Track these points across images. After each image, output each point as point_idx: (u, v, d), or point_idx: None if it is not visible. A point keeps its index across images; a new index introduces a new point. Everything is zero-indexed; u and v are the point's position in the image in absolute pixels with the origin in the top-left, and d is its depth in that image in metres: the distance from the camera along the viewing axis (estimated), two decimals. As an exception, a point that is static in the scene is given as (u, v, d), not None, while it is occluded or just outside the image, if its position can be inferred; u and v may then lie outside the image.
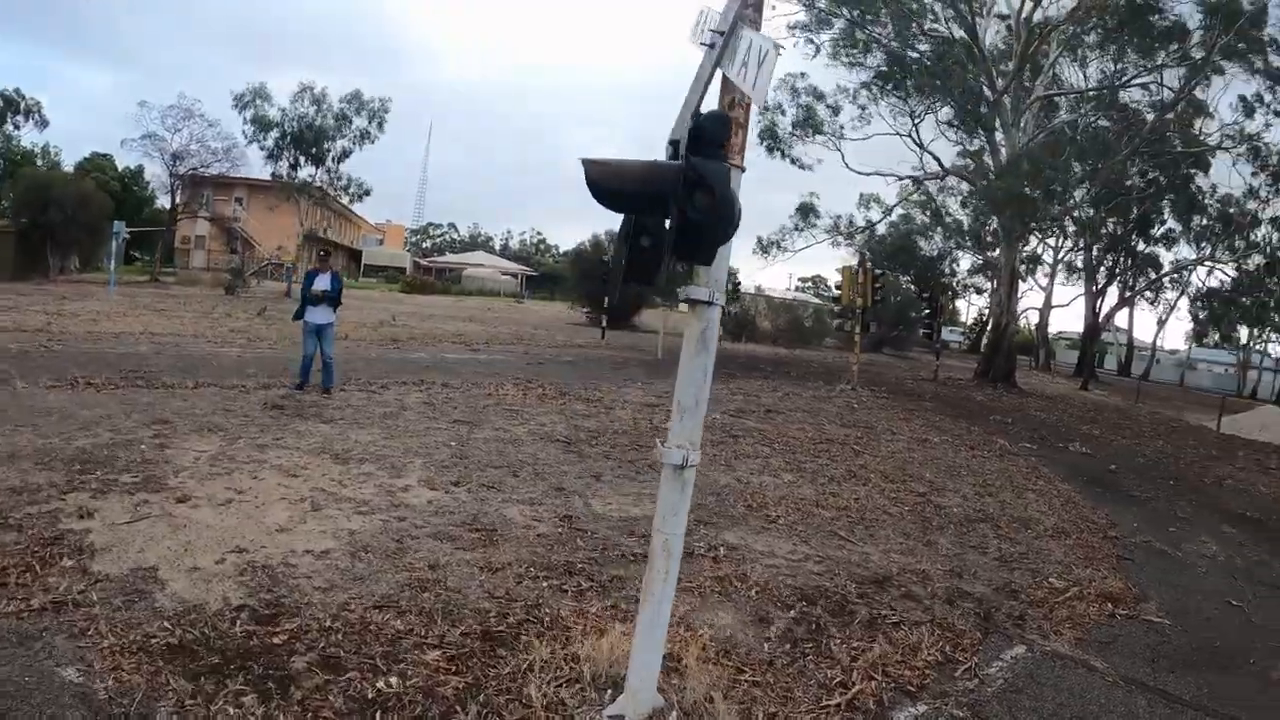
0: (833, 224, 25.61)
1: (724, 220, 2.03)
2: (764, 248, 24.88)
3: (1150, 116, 20.99)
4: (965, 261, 43.75)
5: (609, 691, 2.83)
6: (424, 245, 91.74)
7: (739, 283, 26.91)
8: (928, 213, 35.88)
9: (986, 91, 20.18)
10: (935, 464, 8.46)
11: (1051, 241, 35.96)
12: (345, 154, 26.91)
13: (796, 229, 24.92)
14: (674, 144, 2.66)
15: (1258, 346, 44.41)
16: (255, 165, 29.73)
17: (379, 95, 26.69)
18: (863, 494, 6.67)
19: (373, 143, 26.89)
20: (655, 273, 2.64)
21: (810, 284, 62.96)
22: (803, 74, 23.88)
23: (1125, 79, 20.20)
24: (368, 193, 28.74)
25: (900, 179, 24.48)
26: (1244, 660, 4.11)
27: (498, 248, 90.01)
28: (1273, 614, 4.99)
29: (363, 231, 62.18)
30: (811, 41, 21.03)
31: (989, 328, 24.58)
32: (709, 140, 2.08)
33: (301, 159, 26.65)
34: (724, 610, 3.89)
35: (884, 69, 21.38)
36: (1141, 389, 26.66)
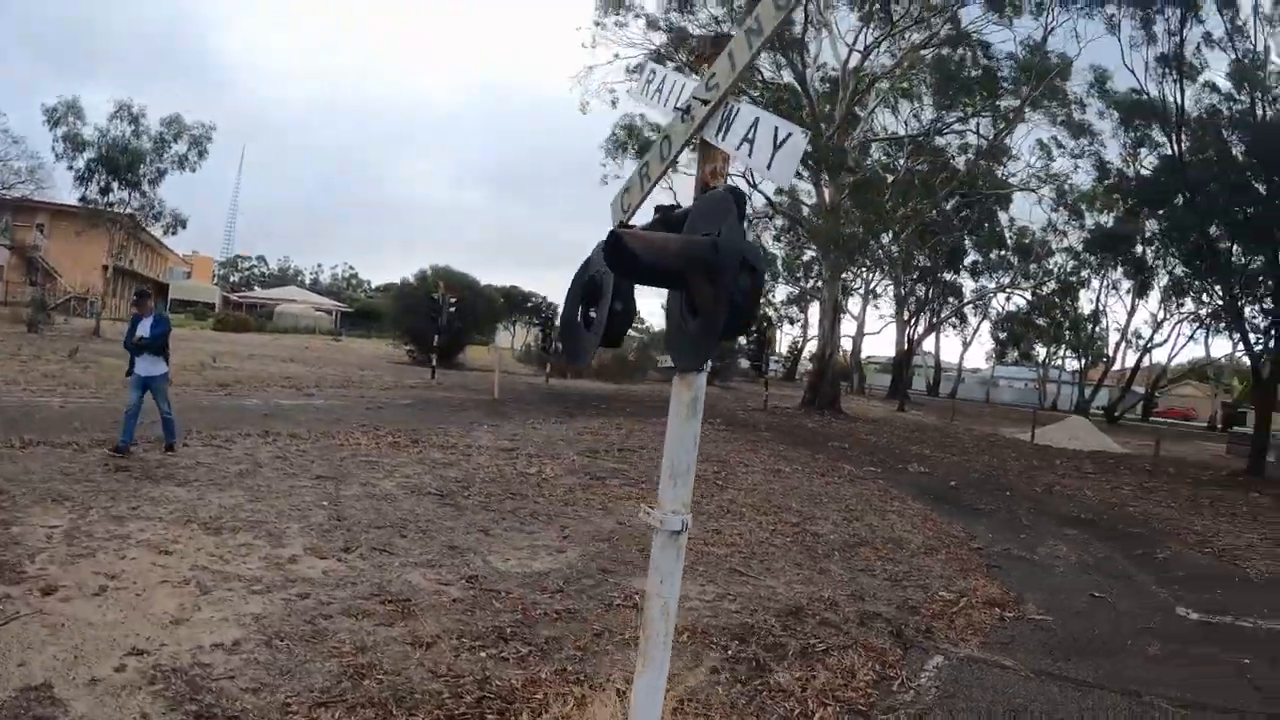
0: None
1: (759, 299, 2.08)
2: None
3: (961, 160, 24.34)
4: (781, 292, 47.62)
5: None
6: (232, 279, 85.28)
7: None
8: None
9: (805, 140, 22.53)
10: (796, 493, 8.96)
11: (864, 274, 40.11)
12: (160, 175, 24.01)
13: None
14: (666, 210, 2.70)
15: (1054, 362, 51.66)
16: (62, 189, 25.86)
17: (201, 120, 24.09)
18: (743, 528, 6.91)
19: (193, 171, 24.25)
20: (623, 335, 2.67)
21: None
22: (641, 115, 25.12)
23: (941, 126, 23.26)
24: (183, 224, 25.74)
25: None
26: (1122, 643, 4.80)
27: (308, 282, 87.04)
28: (1131, 602, 5.85)
29: (169, 263, 56.33)
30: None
31: (815, 356, 26.86)
32: (741, 216, 2.12)
33: (115, 184, 23.47)
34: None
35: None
36: (953, 407, 30.20)
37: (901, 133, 25.01)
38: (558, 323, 16.35)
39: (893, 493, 9.82)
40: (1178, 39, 17.31)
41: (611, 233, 2.06)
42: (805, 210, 25.15)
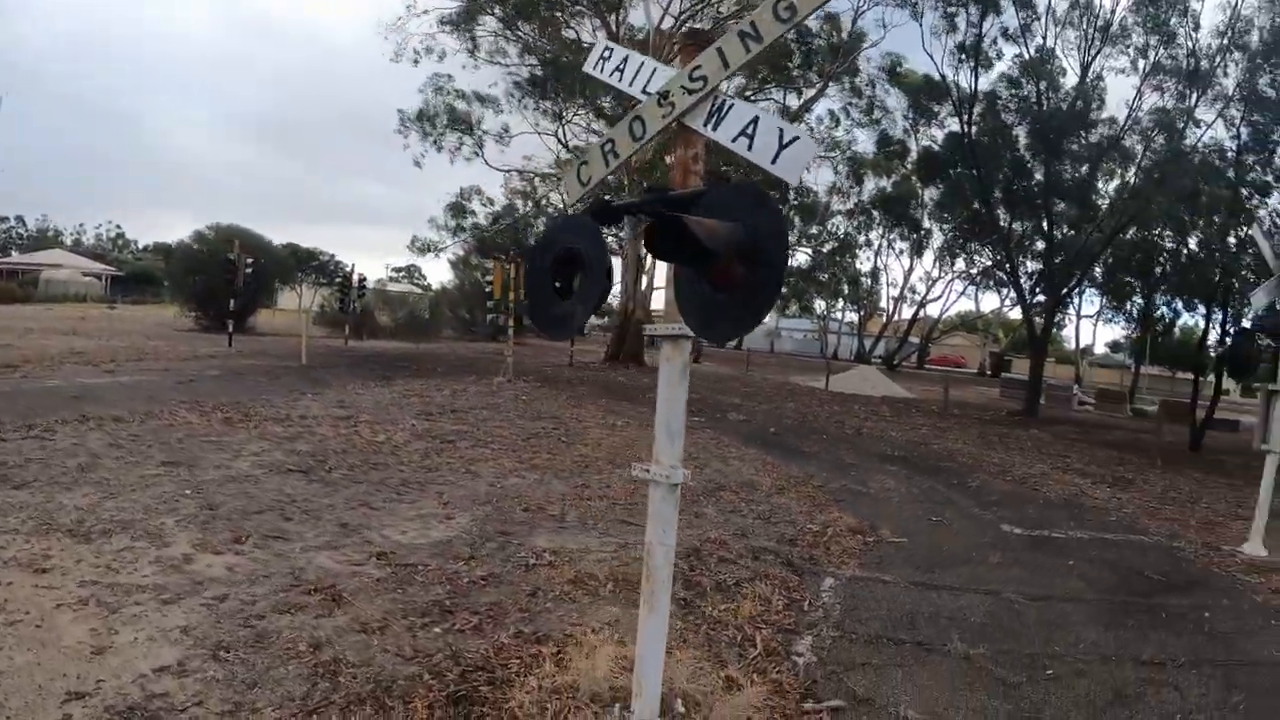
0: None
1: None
2: (421, 249, 26.69)
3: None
4: None
5: (617, 705, 2.94)
6: (-14, 242, 70.59)
7: (363, 278, 26.26)
8: (529, 203, 38.33)
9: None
10: (639, 444, 9.38)
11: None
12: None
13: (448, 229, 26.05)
14: (661, 191, 2.86)
15: (834, 315, 56.94)
16: None
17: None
18: (610, 481, 7.24)
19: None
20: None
21: (404, 274, 63.75)
22: (450, 75, 24.20)
23: (750, 94, 24.67)
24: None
25: (537, 175, 26.74)
26: (969, 556, 5.84)
27: (70, 244, 74.99)
28: (964, 524, 7.01)
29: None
30: (470, 38, 21.42)
31: (619, 311, 27.62)
32: (775, 210, 2.35)
33: None
34: (606, 607, 4.15)
35: (537, 73, 22.73)
36: (746, 358, 32.91)
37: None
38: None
39: (724, 440, 10.64)
40: (977, 30, 20.13)
41: (674, 216, 2.20)
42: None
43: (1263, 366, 7.52)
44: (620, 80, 3.24)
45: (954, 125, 22.35)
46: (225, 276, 19.43)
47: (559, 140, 25.39)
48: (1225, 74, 17.12)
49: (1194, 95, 17.54)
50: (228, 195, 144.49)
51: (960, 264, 38.34)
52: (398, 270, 63.95)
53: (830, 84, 24.50)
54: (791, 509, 6.86)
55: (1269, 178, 16.70)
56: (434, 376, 15.81)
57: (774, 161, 2.56)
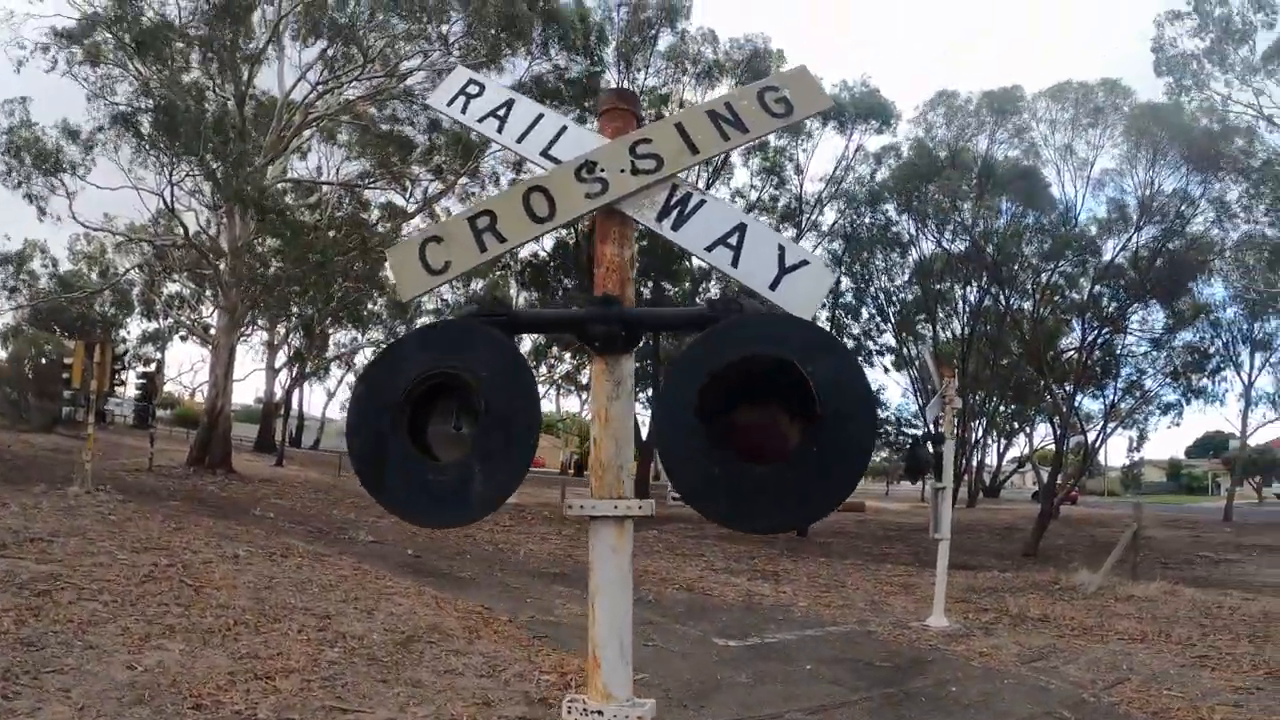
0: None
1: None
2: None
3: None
4: (135, 328, 40.40)
5: None
6: None
7: None
8: (95, 272, 32.26)
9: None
10: (277, 585, 7.33)
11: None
12: None
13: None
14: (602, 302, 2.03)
15: None
16: None
17: None
18: (278, 643, 5.43)
19: None
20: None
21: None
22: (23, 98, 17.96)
23: (371, 180, 22.93)
24: None
25: (130, 238, 21.41)
26: (715, 679, 5.37)
27: None
28: (680, 644, 6.49)
29: None
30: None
31: (206, 410, 23.05)
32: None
33: None
34: None
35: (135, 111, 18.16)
36: (338, 462, 28.97)
37: (332, 178, 24.07)
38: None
39: (370, 571, 8.98)
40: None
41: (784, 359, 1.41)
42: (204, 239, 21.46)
43: (931, 469, 9.09)
44: (500, 131, 2.30)
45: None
46: None
47: (165, 203, 20.42)
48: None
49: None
50: None
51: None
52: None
53: (469, 178, 24.34)
54: (503, 657, 5.80)
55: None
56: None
57: (774, 288, 1.97)
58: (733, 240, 2.02)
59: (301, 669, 4.93)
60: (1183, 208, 19.48)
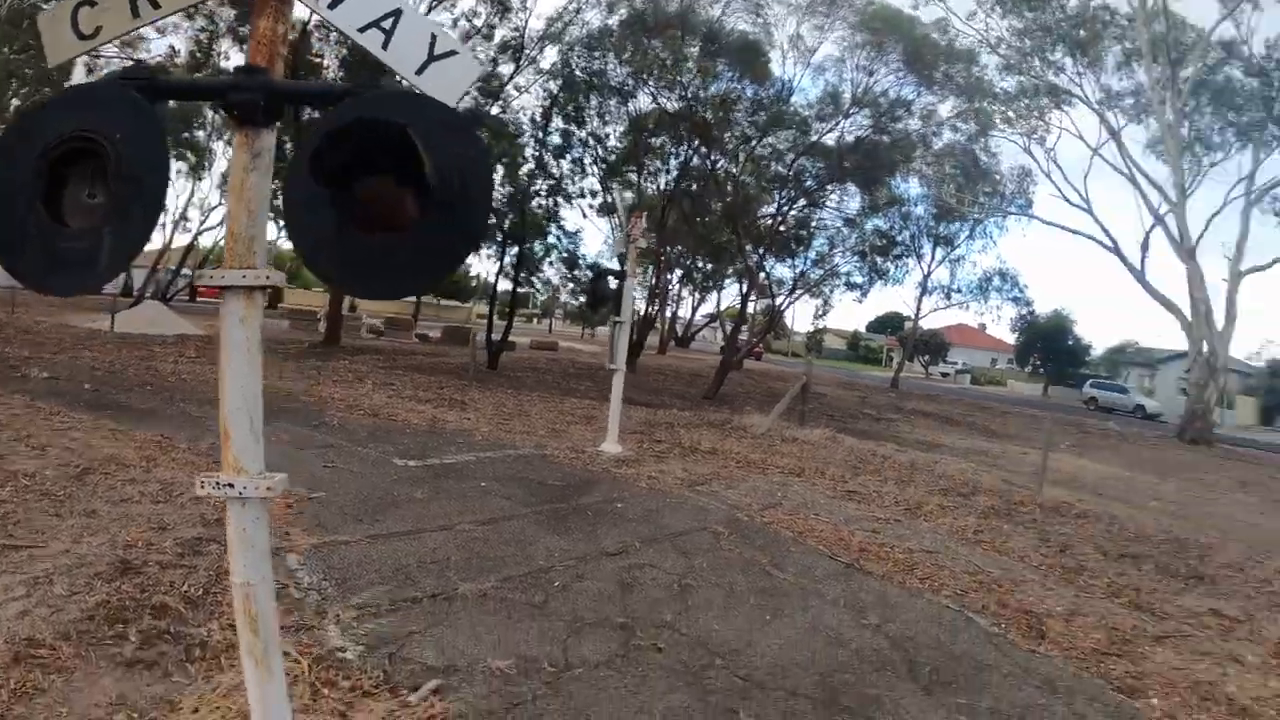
0: None
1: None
2: None
3: None
4: None
5: None
6: None
7: None
8: None
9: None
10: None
11: None
12: None
13: None
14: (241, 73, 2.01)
15: None
16: None
17: None
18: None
19: None
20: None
21: None
22: None
23: None
24: None
25: None
26: (393, 496, 5.67)
27: None
28: (361, 466, 6.64)
29: None
30: None
31: None
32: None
33: None
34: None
35: None
36: (11, 299, 22.75)
37: None
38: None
39: (43, 407, 7.75)
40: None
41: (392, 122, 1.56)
42: None
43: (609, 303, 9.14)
44: None
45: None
46: None
47: None
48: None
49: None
50: None
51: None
52: None
53: None
54: (180, 483, 5.56)
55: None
56: None
57: (420, 73, 2.07)
58: (386, 24, 2.06)
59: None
60: (896, 111, 21.35)
